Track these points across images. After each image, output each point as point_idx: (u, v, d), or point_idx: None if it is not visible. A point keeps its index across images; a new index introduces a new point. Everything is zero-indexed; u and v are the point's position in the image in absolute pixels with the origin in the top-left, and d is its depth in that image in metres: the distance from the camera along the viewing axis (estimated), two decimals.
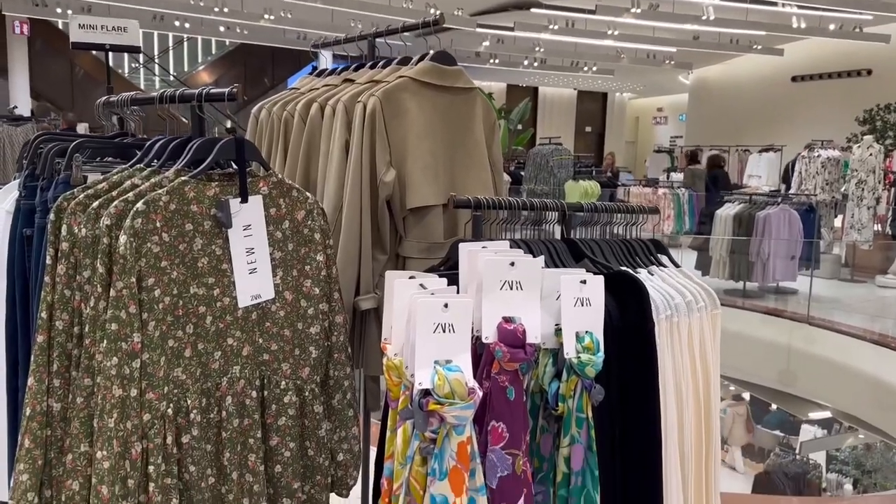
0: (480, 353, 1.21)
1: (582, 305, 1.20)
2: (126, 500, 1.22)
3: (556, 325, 1.23)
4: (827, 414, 7.86)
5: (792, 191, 8.60)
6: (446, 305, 1.10)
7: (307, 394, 1.46)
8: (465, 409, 1.06)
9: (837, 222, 8.77)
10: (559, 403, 1.19)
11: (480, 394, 1.09)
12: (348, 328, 1.77)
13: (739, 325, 6.60)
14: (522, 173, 10.28)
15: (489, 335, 1.14)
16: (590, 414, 1.19)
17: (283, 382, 1.42)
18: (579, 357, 1.17)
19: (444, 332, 1.10)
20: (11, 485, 1.27)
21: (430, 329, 1.09)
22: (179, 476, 1.29)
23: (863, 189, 7.95)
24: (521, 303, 1.16)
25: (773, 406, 8.77)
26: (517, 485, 1.14)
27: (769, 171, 12.13)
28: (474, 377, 1.15)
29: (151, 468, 1.25)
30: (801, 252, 7.22)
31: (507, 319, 1.15)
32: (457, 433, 1.08)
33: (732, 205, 7.52)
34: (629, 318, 1.56)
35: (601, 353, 1.19)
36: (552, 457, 1.25)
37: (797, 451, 8.13)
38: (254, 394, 1.38)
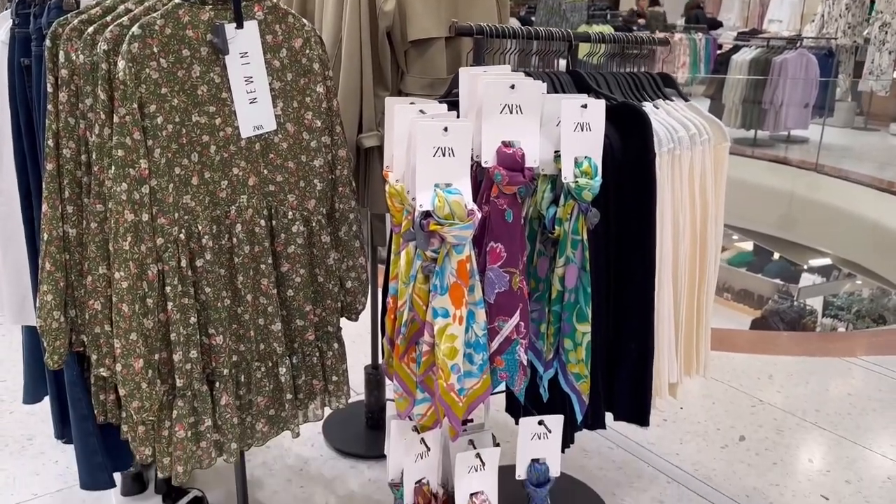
0: (481, 180, 1.24)
1: (582, 130, 1.21)
2: (146, 318, 1.30)
3: (556, 151, 1.24)
4: (827, 261, 8.02)
5: (812, 34, 8.26)
6: (446, 129, 1.10)
7: (314, 224, 1.50)
8: (464, 229, 1.10)
9: None
10: (556, 227, 1.23)
11: (479, 215, 1.12)
12: (352, 163, 1.79)
13: (745, 173, 6.60)
14: (533, 19, 9.88)
15: (488, 159, 1.16)
16: (585, 236, 1.23)
17: (290, 213, 1.46)
18: (577, 181, 1.20)
19: (443, 155, 1.11)
20: (37, 305, 1.35)
21: (430, 153, 1.11)
22: (196, 297, 1.37)
23: (886, 32, 7.63)
24: (521, 127, 1.17)
25: (776, 255, 8.93)
26: (513, 300, 1.21)
27: (791, 15, 11.59)
28: (474, 201, 1.18)
29: (168, 289, 1.32)
30: (814, 100, 7.06)
31: (507, 144, 1.17)
32: (457, 252, 1.13)
33: (749, 49, 7.27)
34: (631, 149, 1.57)
35: (599, 178, 1.21)
36: (548, 278, 1.30)
37: (795, 298, 8.37)
38: (262, 223, 1.42)
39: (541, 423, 1.40)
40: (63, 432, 1.57)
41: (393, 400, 1.34)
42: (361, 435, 2.37)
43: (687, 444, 2.40)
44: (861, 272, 7.06)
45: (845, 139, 7.81)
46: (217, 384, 1.42)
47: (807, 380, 2.89)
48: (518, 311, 1.21)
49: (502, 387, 1.28)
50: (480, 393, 1.22)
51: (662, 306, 1.74)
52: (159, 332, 1.34)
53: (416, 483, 1.35)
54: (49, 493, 2.07)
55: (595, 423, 1.71)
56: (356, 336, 1.88)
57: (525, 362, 1.25)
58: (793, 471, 2.28)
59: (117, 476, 1.99)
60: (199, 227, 1.35)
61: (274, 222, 1.45)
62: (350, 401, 2.59)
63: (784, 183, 6.73)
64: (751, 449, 2.39)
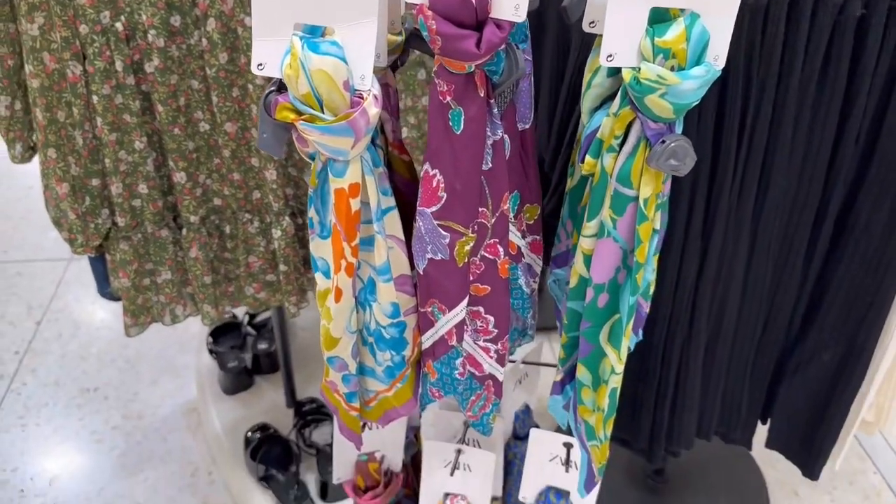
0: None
1: None
2: (75, 130, 0.98)
3: None
4: None
5: None
6: None
7: None
8: (334, 133, 0.53)
9: None
10: (588, 156, 0.57)
11: (374, 109, 0.53)
12: None
13: None
14: None
15: None
16: (647, 191, 0.55)
17: None
18: (637, 70, 0.50)
19: None
20: None
21: None
22: (143, 114, 0.99)
23: None
24: None
25: None
26: (457, 280, 0.62)
27: None
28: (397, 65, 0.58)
29: (95, 98, 0.95)
30: None
31: None
32: (334, 174, 0.56)
33: None
34: None
35: (706, 70, 0.50)
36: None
37: None
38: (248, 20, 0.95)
39: (566, 444, 0.85)
40: None
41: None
42: None
43: None
44: None
45: None
46: (185, 231, 1.09)
47: None
48: (464, 301, 0.62)
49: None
50: (393, 406, 0.70)
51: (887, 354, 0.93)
52: (99, 152, 1.01)
53: (357, 457, 0.93)
54: None
55: (729, 433, 1.06)
56: None
57: (487, 381, 0.68)
58: None
59: None
60: (145, 17, 0.92)
61: None
62: None
63: None
64: None
